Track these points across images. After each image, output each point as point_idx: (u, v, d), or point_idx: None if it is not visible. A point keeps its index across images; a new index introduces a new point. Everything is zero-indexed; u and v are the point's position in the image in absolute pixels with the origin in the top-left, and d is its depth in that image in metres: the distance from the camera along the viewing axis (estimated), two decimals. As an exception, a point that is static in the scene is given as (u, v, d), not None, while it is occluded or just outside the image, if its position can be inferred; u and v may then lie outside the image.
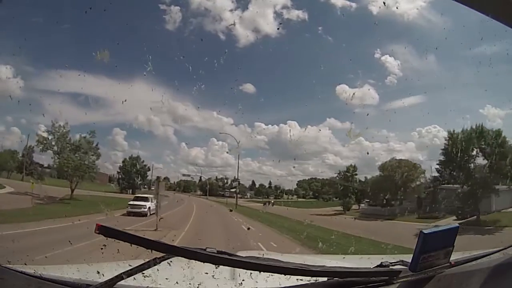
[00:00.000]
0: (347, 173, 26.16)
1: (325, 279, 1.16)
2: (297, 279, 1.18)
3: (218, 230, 12.86)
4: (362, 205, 25.29)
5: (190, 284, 1.33)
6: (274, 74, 27.20)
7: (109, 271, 1.23)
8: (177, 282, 1.37)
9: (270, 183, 34.02)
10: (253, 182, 33.99)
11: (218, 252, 1.14)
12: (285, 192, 34.00)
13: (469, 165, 16.76)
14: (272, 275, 1.19)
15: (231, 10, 23.52)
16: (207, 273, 1.30)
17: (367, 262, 1.78)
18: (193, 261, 1.13)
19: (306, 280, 1.17)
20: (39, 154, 21.65)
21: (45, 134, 19.46)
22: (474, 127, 15.79)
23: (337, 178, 27.54)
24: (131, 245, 1.02)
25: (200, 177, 34.35)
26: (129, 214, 15.85)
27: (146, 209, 16.63)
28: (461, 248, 1.32)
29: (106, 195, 21.56)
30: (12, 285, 1.14)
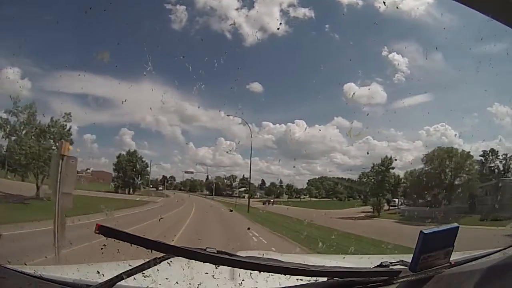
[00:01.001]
0: (381, 167, 22.68)
1: (325, 279, 1.16)
2: (297, 279, 1.18)
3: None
4: (402, 206, 22.26)
5: (190, 284, 1.33)
6: (281, 72, 27.08)
7: (109, 271, 1.23)
8: (177, 282, 1.37)
9: (280, 181, 33.01)
10: (263, 181, 32.81)
11: (218, 252, 1.14)
12: (297, 191, 32.78)
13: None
14: (272, 275, 1.19)
15: (237, 9, 23.43)
16: (207, 273, 1.30)
17: (367, 262, 1.79)
18: (193, 261, 1.13)
19: (306, 280, 1.17)
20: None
21: (4, 116, 15.65)
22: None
23: (366, 173, 23.80)
24: (131, 245, 1.02)
25: (207, 176, 33.33)
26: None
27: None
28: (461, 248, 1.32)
29: (96, 195, 19.09)
30: (12, 285, 1.14)
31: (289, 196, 32.07)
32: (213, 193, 32.50)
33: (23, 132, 16.27)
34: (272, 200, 30.14)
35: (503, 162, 18.00)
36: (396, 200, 23.78)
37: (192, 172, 31.50)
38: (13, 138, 16.30)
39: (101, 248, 1.65)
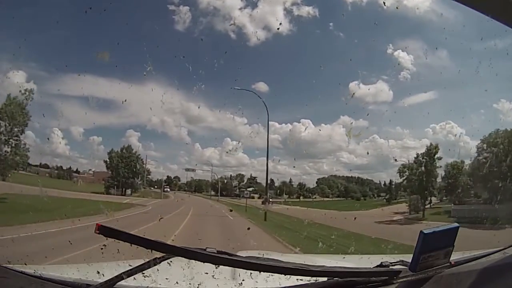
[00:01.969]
0: (425, 158, 19.14)
1: (325, 279, 1.16)
2: (297, 279, 1.18)
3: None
4: (454, 205, 18.55)
5: (190, 284, 1.33)
6: (287, 72, 26.81)
7: (109, 271, 1.23)
8: (177, 282, 1.37)
9: (290, 180, 31.59)
10: (272, 180, 30.64)
11: (218, 252, 1.14)
12: (309, 191, 31.23)
13: None
14: (272, 275, 1.19)
15: (240, 9, 23.26)
16: (207, 273, 1.30)
17: (367, 262, 1.78)
18: (193, 261, 1.13)
19: (306, 280, 1.17)
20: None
21: None
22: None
23: (408, 164, 20.02)
24: (131, 245, 1.02)
25: (213, 175, 31.85)
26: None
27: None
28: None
29: (79, 196, 16.66)
30: (12, 285, 1.14)
31: (302, 196, 30.74)
32: (219, 194, 30.86)
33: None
34: (270, 200, 29.69)
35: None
36: (435, 197, 20.63)
37: (194, 170, 29.47)
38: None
39: (101, 248, 1.65)
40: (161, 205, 23.01)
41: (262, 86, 22.33)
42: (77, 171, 27.74)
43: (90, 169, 27.87)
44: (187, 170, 29.60)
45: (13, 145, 14.72)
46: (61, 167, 26.32)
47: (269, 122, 25.39)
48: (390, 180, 25.36)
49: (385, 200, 25.68)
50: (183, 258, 1.10)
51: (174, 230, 10.33)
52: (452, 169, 19.36)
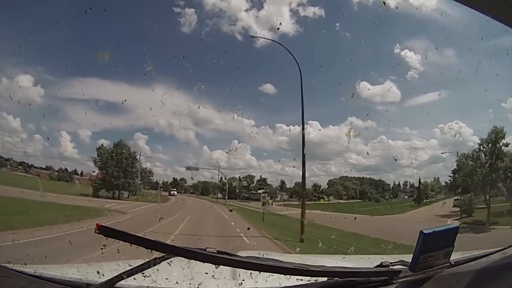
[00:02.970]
0: (487, 143, 14.68)
1: (325, 279, 1.16)
2: (297, 279, 1.18)
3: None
4: None
5: (190, 284, 1.33)
6: (293, 73, 26.68)
7: (109, 271, 1.23)
8: (177, 282, 1.37)
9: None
10: (282, 182, 29.36)
11: (218, 252, 1.14)
12: (324, 192, 29.32)
13: None
14: (272, 275, 1.19)
15: (246, 10, 23.17)
16: (207, 273, 1.30)
17: (367, 262, 1.78)
18: (193, 261, 1.13)
19: (306, 280, 1.17)
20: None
21: None
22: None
23: (468, 154, 16.09)
24: (131, 245, 1.02)
25: (221, 177, 29.42)
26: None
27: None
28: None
29: (56, 200, 11.47)
30: (12, 285, 1.14)
31: (315, 198, 28.47)
32: (226, 196, 28.19)
33: None
34: (271, 200, 29.28)
35: None
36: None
37: (196, 169, 26.49)
38: None
39: (101, 248, 1.65)
40: (148, 212, 18.00)
41: (269, 88, 22.14)
42: (80, 173, 27.36)
43: (93, 171, 27.23)
44: (189, 168, 26.62)
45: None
46: (66, 169, 25.72)
47: (277, 124, 24.98)
48: (420, 179, 24.26)
49: (413, 201, 23.94)
50: (183, 258, 1.10)
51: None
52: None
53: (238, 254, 1.32)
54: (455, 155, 17.89)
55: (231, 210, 19.45)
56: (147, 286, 1.22)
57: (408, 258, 1.16)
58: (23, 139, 20.15)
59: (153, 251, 1.05)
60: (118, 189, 23.39)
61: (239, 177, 30.47)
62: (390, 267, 1.24)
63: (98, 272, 1.32)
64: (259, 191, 28.93)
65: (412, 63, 18.50)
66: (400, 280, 1.16)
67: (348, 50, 22.48)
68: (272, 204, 27.39)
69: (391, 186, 28.10)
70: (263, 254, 1.58)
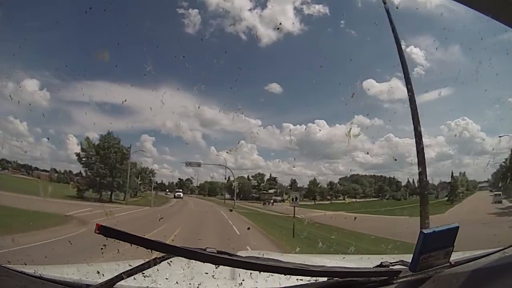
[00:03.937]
0: None
1: (325, 279, 1.16)
2: (297, 279, 1.18)
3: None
4: None
5: (190, 284, 1.33)
6: (299, 72, 26.23)
7: (109, 271, 1.23)
8: (177, 282, 1.37)
9: (315, 180, 27.80)
10: (294, 181, 27.38)
11: (218, 252, 1.14)
12: (341, 192, 27.57)
13: None
14: (272, 275, 1.19)
15: (249, 9, 23.00)
16: (207, 273, 1.31)
17: (367, 262, 1.79)
18: (193, 261, 1.13)
19: (306, 280, 1.17)
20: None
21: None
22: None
23: None
24: (131, 245, 1.02)
25: (228, 177, 27.68)
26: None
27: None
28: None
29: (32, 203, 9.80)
30: (13, 285, 1.14)
31: (332, 197, 26.89)
32: (235, 197, 25.46)
33: None
34: (272, 200, 28.69)
35: None
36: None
37: (198, 165, 23.80)
38: None
39: (101, 248, 1.66)
40: (123, 222, 9.02)
41: (275, 87, 21.97)
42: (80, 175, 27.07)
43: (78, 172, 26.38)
44: (188, 164, 23.92)
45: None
46: (70, 171, 25.31)
47: (284, 124, 24.15)
48: (452, 173, 21.76)
49: (447, 199, 21.68)
50: (183, 258, 1.10)
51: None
52: None
53: (238, 254, 1.32)
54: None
55: (245, 219, 15.52)
56: (147, 286, 1.22)
57: (408, 258, 1.16)
58: (31, 142, 20.26)
59: (153, 251, 1.05)
60: (108, 189, 19.80)
61: (248, 176, 28.84)
62: (390, 267, 1.24)
63: (98, 272, 1.32)
64: (270, 191, 27.84)
65: (418, 59, 18.30)
66: (400, 280, 1.16)
67: (353, 48, 22.20)
68: (273, 204, 26.47)
69: (403, 184, 26.77)
70: (263, 254, 1.58)
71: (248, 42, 22.20)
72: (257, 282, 1.30)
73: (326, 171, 29.99)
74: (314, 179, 26.76)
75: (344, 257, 2.24)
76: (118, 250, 1.59)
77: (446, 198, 21.59)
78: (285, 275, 1.15)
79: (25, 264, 1.36)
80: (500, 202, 17.73)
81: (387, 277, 1.17)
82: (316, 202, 25.90)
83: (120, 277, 1.06)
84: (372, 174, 28.41)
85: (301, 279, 1.18)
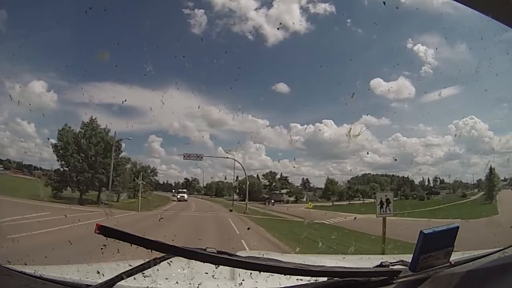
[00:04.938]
0: None
1: (325, 279, 1.16)
2: (297, 279, 1.18)
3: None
4: None
5: (190, 284, 1.33)
6: (306, 71, 26.05)
7: (109, 271, 1.23)
8: (177, 282, 1.37)
9: (328, 178, 27.06)
10: (306, 180, 26.28)
11: (218, 252, 1.14)
12: (360, 192, 26.24)
13: None
14: (272, 275, 1.19)
15: (255, 9, 22.97)
16: (207, 273, 1.30)
17: (367, 262, 1.79)
18: (193, 261, 1.13)
19: (306, 280, 1.17)
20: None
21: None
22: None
23: None
24: (131, 245, 1.02)
25: (236, 176, 26.70)
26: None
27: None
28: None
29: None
30: (13, 285, 1.14)
31: (350, 197, 25.56)
32: (247, 199, 22.87)
33: None
34: (272, 200, 26.96)
35: None
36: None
37: (200, 158, 20.95)
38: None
39: (101, 248, 1.66)
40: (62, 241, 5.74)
41: (282, 87, 21.87)
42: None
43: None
44: (186, 157, 20.96)
45: None
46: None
47: (291, 124, 23.46)
48: (491, 168, 19.57)
49: (485, 198, 20.16)
50: (183, 258, 1.10)
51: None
52: None
53: (238, 254, 1.32)
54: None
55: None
56: (147, 286, 1.22)
57: (408, 258, 1.16)
58: (38, 143, 20.15)
59: (153, 251, 1.05)
60: (90, 188, 15.94)
61: (257, 175, 27.22)
62: (390, 267, 1.24)
63: (98, 272, 1.33)
64: (282, 191, 26.50)
65: (425, 58, 17.93)
66: (400, 280, 1.16)
67: (360, 47, 22.05)
68: (273, 204, 25.87)
69: (425, 183, 26.64)
70: (263, 254, 1.58)
71: (254, 42, 22.21)
72: (257, 282, 1.30)
73: (334, 171, 29.92)
74: (330, 178, 25.66)
75: (344, 257, 2.24)
76: (118, 250, 1.59)
77: (484, 198, 20.19)
78: (285, 275, 1.15)
79: (25, 264, 1.36)
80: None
81: (387, 277, 1.17)
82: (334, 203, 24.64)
83: (120, 277, 1.06)
84: (384, 173, 27.85)
85: (301, 279, 1.18)
